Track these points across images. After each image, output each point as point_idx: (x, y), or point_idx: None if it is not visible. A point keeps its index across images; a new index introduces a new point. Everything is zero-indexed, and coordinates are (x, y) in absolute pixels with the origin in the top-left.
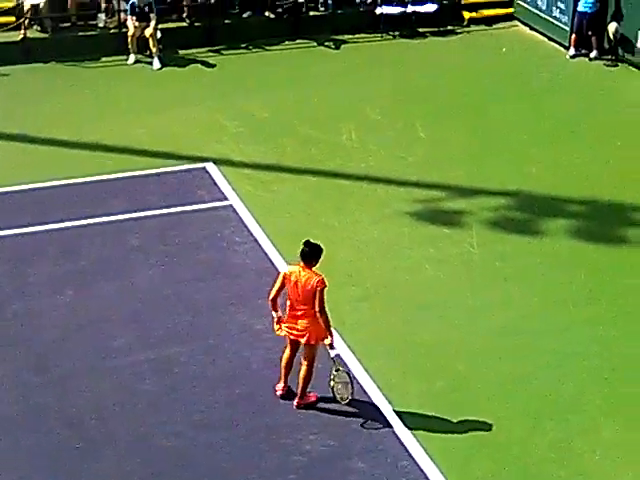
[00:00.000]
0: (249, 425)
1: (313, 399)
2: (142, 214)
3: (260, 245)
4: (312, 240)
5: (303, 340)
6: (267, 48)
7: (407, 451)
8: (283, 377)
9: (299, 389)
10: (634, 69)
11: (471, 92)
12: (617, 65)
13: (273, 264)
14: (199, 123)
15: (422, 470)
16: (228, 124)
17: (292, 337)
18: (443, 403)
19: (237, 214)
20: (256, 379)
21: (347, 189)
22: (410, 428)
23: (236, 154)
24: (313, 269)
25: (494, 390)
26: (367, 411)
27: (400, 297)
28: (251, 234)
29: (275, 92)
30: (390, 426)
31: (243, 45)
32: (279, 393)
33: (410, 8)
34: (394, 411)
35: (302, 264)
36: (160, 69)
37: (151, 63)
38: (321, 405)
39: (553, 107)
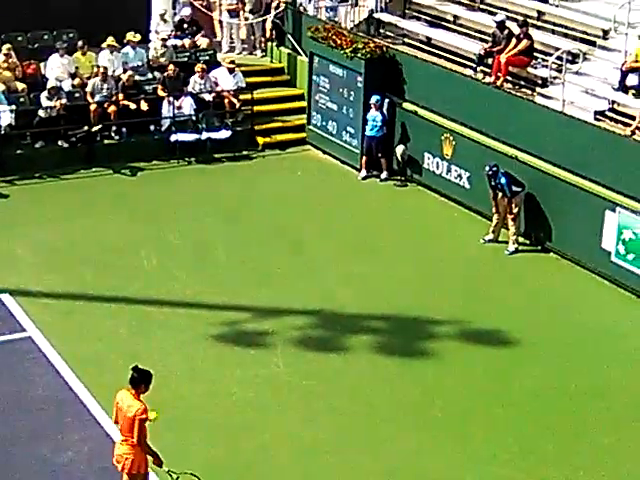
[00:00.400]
0: None
1: None
2: None
3: (62, 376)
4: (140, 366)
5: (120, 467)
6: (62, 177)
7: None
8: None
9: None
10: (422, 188)
11: (271, 214)
12: (406, 185)
13: (76, 395)
14: None
15: None
16: (24, 254)
17: (114, 463)
18: None
19: (36, 345)
20: None
21: (150, 314)
22: None
23: (34, 284)
24: (141, 397)
25: None
26: None
27: (210, 421)
28: (52, 365)
29: (72, 221)
30: None
31: (37, 175)
32: None
33: (205, 135)
34: None
35: (131, 390)
36: None
37: None
38: None
39: (348, 226)
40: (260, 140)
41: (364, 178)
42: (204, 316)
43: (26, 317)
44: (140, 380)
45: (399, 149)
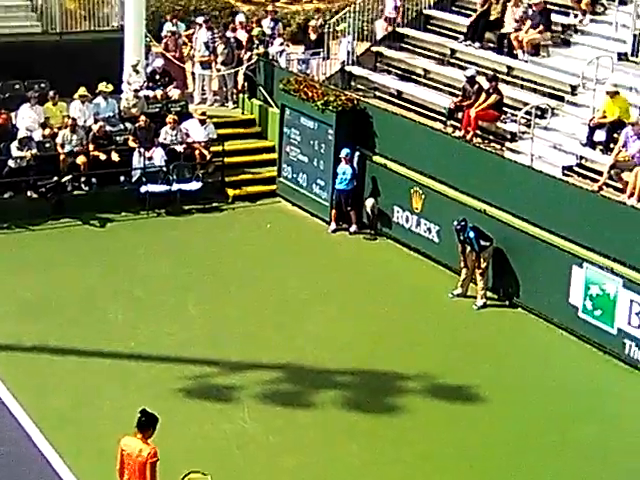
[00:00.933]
0: None
1: None
2: None
3: (26, 432)
4: (148, 409)
5: None
6: (31, 228)
7: None
8: None
9: None
10: (392, 242)
11: (240, 267)
12: (376, 238)
13: (39, 449)
14: None
15: None
16: None
17: None
18: None
19: (1, 401)
20: None
21: (116, 369)
22: None
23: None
24: (148, 440)
25: None
26: None
27: (175, 477)
28: (17, 421)
29: (40, 272)
30: None
31: (5, 225)
32: None
33: (175, 186)
34: None
35: (138, 435)
36: None
37: None
38: None
39: (317, 279)
40: (230, 192)
41: (334, 231)
42: (172, 370)
43: None
44: (148, 423)
45: (369, 202)
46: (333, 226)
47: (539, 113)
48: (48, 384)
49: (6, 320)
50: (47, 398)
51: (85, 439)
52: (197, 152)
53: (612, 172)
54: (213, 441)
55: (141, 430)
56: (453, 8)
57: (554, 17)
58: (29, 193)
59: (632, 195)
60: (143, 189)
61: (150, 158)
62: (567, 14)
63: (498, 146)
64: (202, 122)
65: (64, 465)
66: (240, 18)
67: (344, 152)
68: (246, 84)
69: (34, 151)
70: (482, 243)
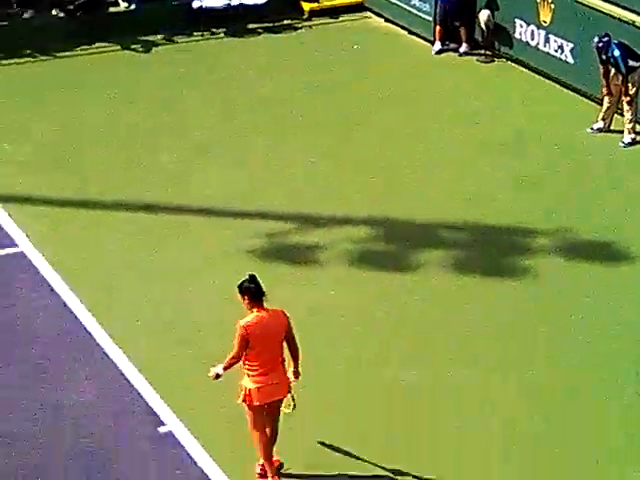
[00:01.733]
0: None
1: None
2: None
3: (63, 300)
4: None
5: (280, 397)
6: (57, 55)
7: None
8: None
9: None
10: (512, 63)
11: (321, 99)
12: (493, 60)
13: (81, 323)
14: None
15: None
16: (10, 149)
17: (275, 400)
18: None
19: (30, 263)
20: (66, 471)
21: (171, 224)
22: None
23: (23, 187)
24: (265, 306)
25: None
26: None
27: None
28: (50, 287)
29: (71, 109)
30: None
31: (26, 52)
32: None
33: (236, 0)
34: None
35: (255, 308)
36: None
37: None
38: None
39: (421, 112)
40: (306, 6)
41: (438, 52)
42: (238, 225)
43: (16, 228)
44: (260, 288)
45: (483, 15)
46: (438, 46)
47: None
48: (87, 244)
49: (33, 169)
50: (87, 261)
51: (134, 307)
52: None
53: None
54: (292, 310)
55: (259, 299)
56: None
57: None
58: (54, 11)
59: None
60: (196, 4)
61: None
62: None
63: None
64: None
65: (109, 339)
66: None
67: None
68: None
69: None
70: (630, 64)
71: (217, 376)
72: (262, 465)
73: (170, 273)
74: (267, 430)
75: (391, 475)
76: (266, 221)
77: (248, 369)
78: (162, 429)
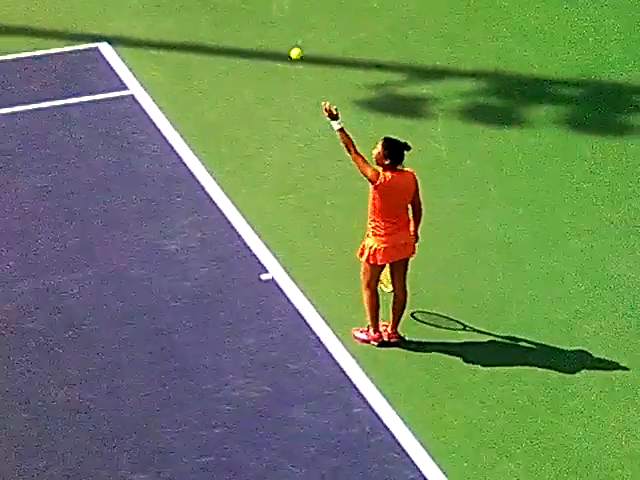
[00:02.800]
0: (161, 368)
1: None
2: (17, 109)
3: (171, 145)
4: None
5: (403, 256)
6: None
7: (361, 395)
8: (376, 320)
9: (396, 321)
10: None
11: None
12: None
13: (188, 169)
14: None
15: (379, 417)
16: None
17: (401, 258)
18: (407, 333)
19: (140, 106)
20: (170, 313)
21: (281, 73)
22: (364, 369)
23: (137, 30)
24: (406, 169)
25: (467, 314)
26: (309, 348)
27: (347, 207)
28: (159, 132)
29: None
30: (338, 366)
31: None
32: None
33: None
34: (343, 347)
35: (390, 169)
36: None
37: None
38: (251, 342)
39: None
40: None
41: None
42: (348, 77)
43: (128, 71)
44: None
45: None
46: None
47: None
48: (199, 90)
49: (146, 11)
50: (197, 108)
51: (242, 158)
52: None
53: None
54: None
55: (398, 162)
56: None
57: None
58: None
59: None
60: None
61: None
62: None
63: None
64: None
65: (216, 185)
66: None
67: None
68: None
69: None
70: None
71: (329, 113)
72: (366, 329)
73: (277, 121)
74: (395, 290)
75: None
76: (374, 72)
77: (374, 228)
78: (265, 276)
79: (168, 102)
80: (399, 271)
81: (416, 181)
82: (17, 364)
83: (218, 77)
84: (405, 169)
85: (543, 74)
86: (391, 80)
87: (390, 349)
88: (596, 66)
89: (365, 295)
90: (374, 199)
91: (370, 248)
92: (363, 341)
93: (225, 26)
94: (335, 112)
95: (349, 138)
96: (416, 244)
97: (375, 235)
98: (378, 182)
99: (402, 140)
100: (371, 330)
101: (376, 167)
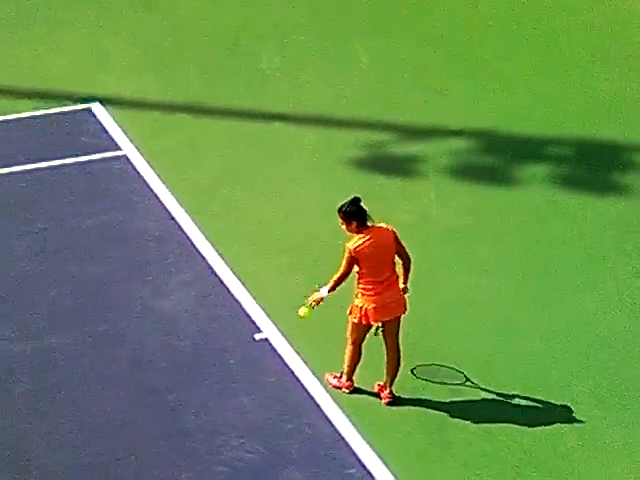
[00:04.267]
0: (156, 429)
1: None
2: (11, 169)
3: (163, 205)
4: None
5: (395, 313)
6: None
7: (355, 455)
8: (352, 371)
9: (391, 379)
10: None
11: None
12: None
13: (181, 227)
14: (77, 50)
15: (374, 477)
16: (118, 53)
17: (393, 317)
18: (403, 390)
19: (133, 166)
20: (163, 373)
21: (271, 132)
22: (358, 428)
23: (130, 91)
24: (374, 224)
25: (459, 371)
26: (304, 408)
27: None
28: (151, 191)
29: (175, 12)
30: (333, 426)
31: None
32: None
33: None
34: (337, 407)
35: (362, 229)
36: None
37: None
38: (245, 402)
39: (537, 13)
40: None
41: None
42: (339, 135)
43: (120, 131)
44: (362, 209)
45: None
46: None
47: None
48: (189, 149)
49: (137, 71)
50: (188, 166)
51: (234, 215)
52: None
53: None
54: (389, 223)
55: (364, 220)
56: None
57: None
58: None
59: None
60: None
61: None
62: None
63: None
64: None
65: (210, 247)
66: None
67: None
68: None
69: None
70: None
71: (320, 300)
72: (339, 376)
73: (270, 180)
74: (386, 350)
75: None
76: (365, 131)
77: (363, 289)
78: (258, 336)
79: (161, 161)
80: (391, 329)
81: (394, 233)
82: (7, 427)
83: (210, 135)
84: (379, 224)
85: (532, 133)
86: (381, 138)
87: (384, 407)
88: (585, 124)
89: (349, 349)
90: (357, 264)
91: (360, 309)
92: (335, 387)
93: (215, 84)
94: (320, 298)
95: (335, 284)
96: (407, 301)
97: (364, 295)
98: (352, 253)
99: (349, 198)
100: (344, 378)
101: (343, 262)
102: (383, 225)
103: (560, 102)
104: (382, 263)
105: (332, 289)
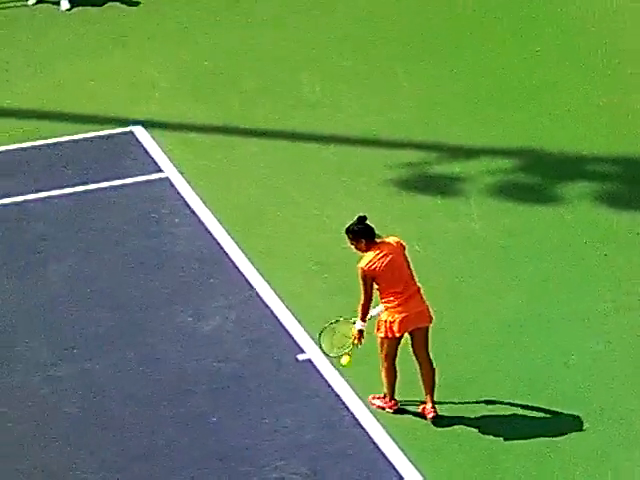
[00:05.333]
0: (199, 452)
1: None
2: (52, 193)
3: (206, 227)
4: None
5: (424, 322)
6: None
7: (400, 476)
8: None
9: (430, 393)
10: None
11: (471, 20)
12: None
13: (223, 249)
14: (122, 76)
15: None
16: (159, 77)
17: (418, 327)
18: (443, 413)
19: (175, 189)
20: (206, 396)
21: (312, 154)
22: (403, 450)
23: (171, 114)
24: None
25: (504, 393)
26: (347, 429)
27: None
28: (194, 214)
29: (215, 36)
30: (376, 447)
31: None
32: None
33: None
34: (381, 428)
35: (371, 246)
36: (70, 9)
37: (58, 2)
38: (289, 423)
39: (586, 36)
40: None
41: None
42: (380, 156)
43: (162, 154)
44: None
45: None
46: None
47: None
48: (232, 172)
49: (179, 95)
50: (231, 189)
51: (277, 237)
52: None
53: None
54: (432, 242)
55: (372, 236)
56: None
57: None
58: None
59: None
60: None
61: None
62: None
63: None
64: None
65: (253, 269)
66: None
67: None
68: None
69: None
70: None
71: (361, 334)
72: (382, 396)
73: (312, 203)
74: (419, 364)
75: None
76: (406, 152)
77: (386, 302)
78: (301, 356)
79: (202, 184)
80: (419, 342)
81: (403, 246)
82: (54, 448)
83: (250, 159)
84: (387, 239)
85: (574, 152)
86: (422, 159)
87: (428, 427)
88: (628, 143)
89: (383, 368)
90: (375, 282)
91: (385, 322)
92: (379, 407)
93: (256, 108)
94: (359, 332)
95: (364, 310)
96: (431, 312)
97: (388, 309)
98: (366, 272)
99: (354, 219)
100: (387, 397)
101: (361, 285)
102: (392, 239)
103: (604, 121)
104: (399, 274)
105: (364, 316)
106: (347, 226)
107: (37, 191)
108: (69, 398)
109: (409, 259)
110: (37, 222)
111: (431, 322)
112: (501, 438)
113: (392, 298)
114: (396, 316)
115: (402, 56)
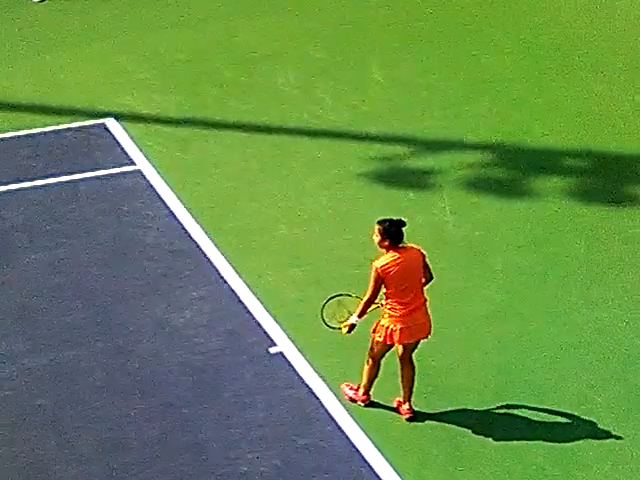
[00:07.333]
0: (171, 444)
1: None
2: (24, 185)
3: (178, 219)
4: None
5: (421, 336)
6: None
7: (372, 469)
8: (370, 386)
9: (409, 394)
10: None
11: (444, 14)
12: None
13: (195, 242)
14: (95, 68)
15: None
16: (132, 68)
17: (417, 339)
18: (416, 405)
19: (147, 181)
20: (179, 387)
21: (286, 147)
22: (375, 443)
23: (144, 106)
24: (405, 245)
25: (477, 386)
26: (319, 422)
27: (355, 279)
28: (166, 206)
29: (190, 27)
30: (348, 440)
31: None
32: (408, 416)
33: None
34: (353, 421)
35: (392, 248)
36: (43, 1)
37: None
38: (261, 415)
39: (546, 34)
40: None
41: None
42: (353, 149)
43: (135, 147)
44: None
45: None
46: None
47: None
48: (204, 164)
49: (152, 87)
50: (203, 181)
51: (250, 230)
52: None
53: None
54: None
55: (399, 241)
56: None
57: None
58: None
59: None
60: None
61: None
62: None
63: None
64: None
65: (225, 261)
66: None
67: None
68: None
69: None
70: None
71: (352, 327)
72: (356, 388)
73: (285, 195)
74: (400, 364)
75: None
76: (380, 145)
77: (390, 309)
78: (273, 349)
79: (175, 176)
80: (410, 349)
81: (423, 255)
82: (26, 440)
83: (224, 151)
84: (408, 245)
85: (548, 145)
86: (395, 152)
87: (400, 421)
88: (599, 136)
89: (368, 365)
90: (384, 286)
91: (386, 328)
92: (350, 398)
93: (231, 101)
94: (351, 325)
95: (365, 308)
96: (432, 325)
97: (391, 316)
98: (379, 272)
99: (395, 218)
100: (361, 391)
101: (370, 282)
102: (414, 246)
103: (576, 114)
104: (409, 285)
105: (362, 313)
106: (383, 219)
107: (8, 183)
108: (42, 389)
109: (430, 266)
110: (9, 213)
111: (429, 335)
112: (473, 430)
113: (398, 307)
114: (398, 326)
115: (376, 49)
